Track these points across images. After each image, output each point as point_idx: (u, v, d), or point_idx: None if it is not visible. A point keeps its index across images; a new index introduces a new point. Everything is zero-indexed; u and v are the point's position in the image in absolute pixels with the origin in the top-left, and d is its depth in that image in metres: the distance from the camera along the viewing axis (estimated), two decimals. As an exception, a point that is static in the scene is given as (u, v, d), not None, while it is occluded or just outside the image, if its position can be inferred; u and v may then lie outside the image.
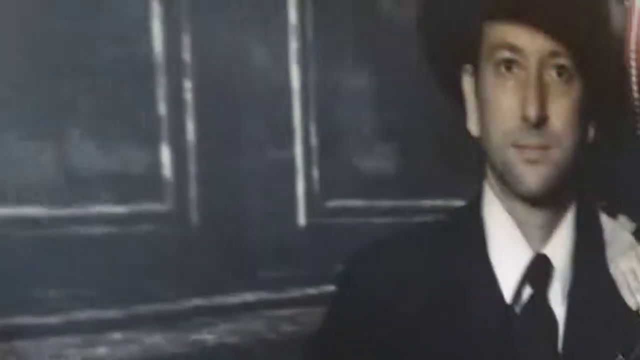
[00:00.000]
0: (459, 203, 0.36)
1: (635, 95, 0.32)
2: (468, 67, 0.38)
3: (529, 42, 0.31)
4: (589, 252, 0.30)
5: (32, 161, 0.23)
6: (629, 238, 0.32)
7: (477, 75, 0.37)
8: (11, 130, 0.23)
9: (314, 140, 0.32)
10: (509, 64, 0.33)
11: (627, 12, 0.33)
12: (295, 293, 0.30)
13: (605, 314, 0.27)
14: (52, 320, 0.23)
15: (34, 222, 0.23)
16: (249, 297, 0.29)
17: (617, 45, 0.32)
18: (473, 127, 0.38)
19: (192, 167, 0.28)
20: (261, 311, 0.30)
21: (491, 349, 0.27)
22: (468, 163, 0.37)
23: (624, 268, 0.31)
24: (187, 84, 0.28)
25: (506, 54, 0.32)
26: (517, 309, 0.33)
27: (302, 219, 0.31)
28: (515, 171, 0.32)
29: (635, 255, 0.30)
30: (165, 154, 0.27)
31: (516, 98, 0.32)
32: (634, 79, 0.32)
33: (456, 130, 0.37)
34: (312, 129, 0.32)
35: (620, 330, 0.27)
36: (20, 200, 0.23)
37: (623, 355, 0.26)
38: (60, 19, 0.24)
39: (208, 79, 0.28)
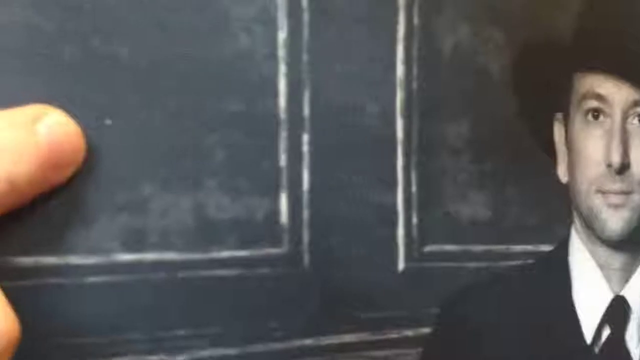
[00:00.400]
0: (547, 248, 0.37)
1: None
2: (559, 115, 0.39)
3: (615, 91, 0.32)
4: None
5: (170, 209, 0.25)
6: None
7: (567, 123, 0.38)
8: (151, 181, 0.25)
9: (414, 188, 0.33)
10: (596, 113, 0.34)
11: None
12: (393, 334, 0.32)
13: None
14: (179, 359, 0.25)
15: (171, 265, 0.26)
16: (351, 338, 0.30)
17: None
18: (562, 173, 0.39)
19: (305, 214, 0.29)
20: (360, 352, 0.31)
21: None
22: (557, 209, 0.38)
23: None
24: (305, 137, 0.30)
25: (594, 103, 0.33)
26: (596, 350, 0.34)
27: (401, 263, 0.32)
28: (600, 216, 0.34)
29: None
30: (283, 202, 0.29)
31: (601, 146, 0.33)
32: None
33: (546, 177, 0.38)
34: (413, 176, 0.33)
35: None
36: (158, 246, 0.25)
37: None
38: (195, 76, 0.26)
39: (323, 132, 0.30)
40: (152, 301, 0.24)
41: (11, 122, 0.20)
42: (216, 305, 0.25)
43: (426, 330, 0.32)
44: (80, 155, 0.23)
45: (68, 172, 0.23)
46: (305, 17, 0.29)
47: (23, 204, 0.21)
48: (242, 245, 0.26)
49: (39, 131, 0.21)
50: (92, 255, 0.23)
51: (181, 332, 0.25)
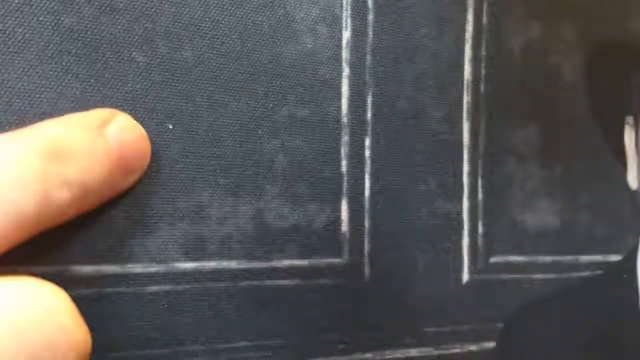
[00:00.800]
0: (616, 258, 0.35)
1: None
2: (629, 119, 0.37)
3: None
4: None
5: (230, 216, 0.25)
6: None
7: (637, 127, 0.36)
8: (212, 187, 0.24)
9: (480, 195, 0.32)
10: None
11: None
12: (456, 349, 0.30)
13: None
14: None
15: (231, 274, 0.25)
16: (414, 352, 0.29)
17: None
18: (631, 180, 0.37)
19: (366, 222, 0.28)
20: (423, 366, 0.30)
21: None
22: (627, 218, 0.36)
23: None
24: (367, 141, 0.29)
25: None
26: (665, 364, 0.32)
27: (465, 275, 0.31)
28: None
29: None
30: (344, 210, 0.28)
31: None
32: None
33: (616, 184, 0.36)
34: (479, 183, 0.32)
35: None
36: (218, 254, 0.25)
37: None
38: (256, 78, 0.26)
39: (385, 136, 0.28)
40: (212, 311, 0.23)
41: (81, 125, 0.19)
42: (276, 316, 0.24)
43: (490, 345, 0.30)
44: (146, 160, 0.23)
45: (134, 177, 0.22)
46: (370, 17, 0.28)
47: (90, 210, 0.21)
48: (302, 255, 0.25)
49: (108, 135, 0.20)
50: (153, 264, 0.23)
51: (242, 344, 0.24)
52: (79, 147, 0.19)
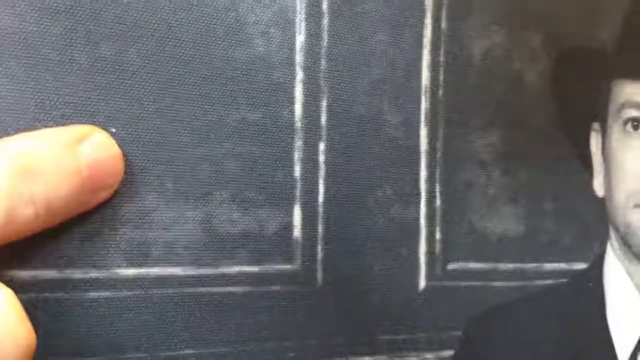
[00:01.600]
0: (581, 266, 0.35)
1: None
2: (596, 125, 0.37)
3: None
4: None
5: (177, 222, 0.24)
6: None
7: (604, 133, 0.36)
8: (157, 192, 0.24)
9: (438, 202, 0.31)
10: (636, 123, 0.32)
11: None
12: (412, 357, 0.30)
13: None
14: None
15: (177, 281, 0.24)
16: (368, 360, 0.29)
17: None
18: (598, 187, 0.37)
19: (320, 228, 0.28)
20: (378, 374, 0.30)
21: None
22: (592, 225, 0.36)
23: None
24: (321, 146, 0.28)
25: (634, 113, 0.31)
26: (632, 375, 0.32)
27: (422, 282, 0.31)
28: (638, 233, 0.32)
29: None
30: (297, 216, 0.27)
31: None
32: None
33: (581, 191, 0.36)
34: (437, 189, 0.31)
35: None
36: (164, 261, 0.24)
37: None
38: (208, 82, 0.25)
39: (340, 141, 0.28)
40: (156, 319, 0.23)
41: (55, 141, 0.19)
42: (224, 324, 0.24)
43: (448, 353, 0.30)
44: (119, 178, 0.22)
45: (106, 194, 0.22)
46: (325, 21, 0.28)
47: (53, 226, 0.21)
48: (252, 261, 0.25)
49: (81, 152, 0.20)
50: (92, 270, 0.22)
51: (187, 352, 0.24)
52: (48, 164, 0.19)
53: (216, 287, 0.24)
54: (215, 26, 0.25)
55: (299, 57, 0.27)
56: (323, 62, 0.27)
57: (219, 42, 0.25)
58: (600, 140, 0.36)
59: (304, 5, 0.27)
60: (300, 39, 0.27)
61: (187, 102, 0.25)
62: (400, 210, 0.29)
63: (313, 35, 0.27)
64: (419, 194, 0.29)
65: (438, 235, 0.30)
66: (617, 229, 0.34)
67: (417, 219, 0.29)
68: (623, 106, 0.34)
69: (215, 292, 0.24)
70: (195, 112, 0.25)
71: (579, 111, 0.34)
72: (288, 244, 0.26)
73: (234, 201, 0.25)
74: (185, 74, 0.24)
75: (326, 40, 0.27)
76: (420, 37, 0.29)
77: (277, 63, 0.26)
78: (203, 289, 0.24)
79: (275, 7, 0.26)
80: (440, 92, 0.30)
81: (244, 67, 0.25)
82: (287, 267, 0.26)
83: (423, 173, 0.30)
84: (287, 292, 0.26)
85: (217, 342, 0.24)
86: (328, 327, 0.26)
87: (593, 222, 0.35)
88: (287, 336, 0.25)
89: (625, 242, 0.34)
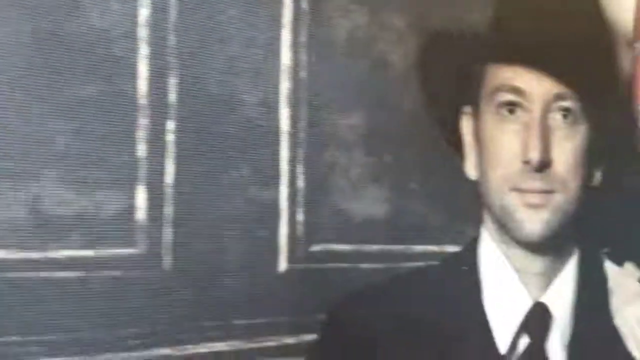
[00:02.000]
0: (453, 249, 0.35)
1: (642, 139, 0.31)
2: (467, 108, 0.37)
3: (535, 85, 0.30)
4: (591, 301, 0.29)
5: (1, 203, 0.23)
6: (635, 286, 0.31)
7: (476, 117, 0.36)
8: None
9: (300, 183, 0.31)
10: (511, 107, 0.32)
11: (635, 56, 0.32)
12: (271, 342, 0.29)
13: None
14: (11, 367, 0.23)
15: (1, 264, 0.23)
16: (222, 346, 0.28)
17: (624, 89, 0.31)
18: (471, 170, 0.37)
19: (168, 210, 0.27)
20: (234, 361, 0.29)
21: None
22: (464, 207, 0.36)
23: (630, 318, 0.29)
24: (170, 125, 0.27)
25: (509, 97, 0.31)
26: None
27: (282, 264, 0.30)
28: (516, 216, 0.31)
29: None
30: (141, 197, 0.26)
31: (518, 141, 0.31)
32: (640, 123, 0.31)
33: (452, 173, 0.36)
34: (299, 170, 0.31)
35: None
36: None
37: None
38: (42, 53, 0.24)
39: (192, 120, 0.27)
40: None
41: None
42: (56, 310, 0.23)
43: (310, 337, 0.30)
44: None
45: None
46: (172, -7, 0.27)
47: None
48: (86, 245, 0.23)
49: None
50: None
51: (12, 339, 0.22)
52: None
53: (44, 271, 0.23)
54: (49, -4, 0.23)
55: (142, 31, 0.26)
56: (171, 37, 0.26)
57: (49, 14, 0.23)
58: (472, 123, 0.36)
59: (148, -24, 0.26)
60: (144, 12, 0.26)
61: (16, 75, 0.23)
62: (259, 192, 0.28)
63: (159, 9, 0.26)
64: (279, 176, 0.29)
65: (300, 217, 0.29)
66: (493, 212, 0.34)
67: (277, 201, 0.29)
68: (497, 90, 0.33)
69: (42, 277, 0.23)
70: (25, 85, 0.23)
71: (448, 95, 0.35)
72: (130, 227, 0.25)
73: (66, 181, 0.23)
74: (13, 45, 0.23)
75: (174, 15, 0.26)
76: (278, 16, 0.29)
77: (116, 37, 0.25)
78: (28, 274, 0.23)
79: (116, -22, 0.25)
80: (302, 72, 0.30)
81: (78, 39, 0.24)
82: (129, 251, 0.25)
83: (284, 154, 0.29)
84: (128, 277, 0.25)
85: (48, 329, 0.23)
86: (178, 312, 0.25)
87: (465, 205, 0.35)
88: (131, 323, 0.24)
89: (502, 226, 0.34)
